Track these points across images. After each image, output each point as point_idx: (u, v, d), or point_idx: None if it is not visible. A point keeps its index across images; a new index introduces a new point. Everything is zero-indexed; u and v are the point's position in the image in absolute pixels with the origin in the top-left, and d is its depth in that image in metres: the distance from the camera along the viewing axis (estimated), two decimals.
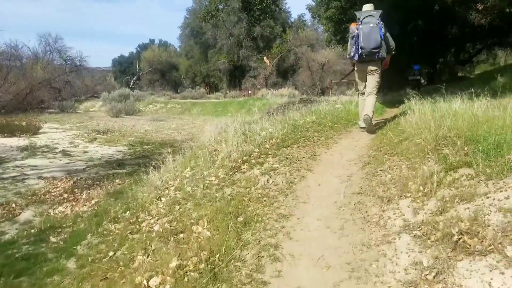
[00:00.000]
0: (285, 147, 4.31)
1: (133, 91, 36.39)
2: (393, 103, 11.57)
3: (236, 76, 43.89)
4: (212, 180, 3.81)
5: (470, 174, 2.84)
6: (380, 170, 3.50)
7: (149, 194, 3.95)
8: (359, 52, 4.99)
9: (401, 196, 2.94)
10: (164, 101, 28.53)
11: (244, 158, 4.06)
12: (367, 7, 5.33)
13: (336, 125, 5.60)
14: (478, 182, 2.72)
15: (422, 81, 15.43)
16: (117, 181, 6.07)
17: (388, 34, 5.16)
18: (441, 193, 2.76)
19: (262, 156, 4.08)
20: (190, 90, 40.75)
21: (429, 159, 3.29)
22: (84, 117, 20.47)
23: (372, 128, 5.12)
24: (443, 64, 21.75)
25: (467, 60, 26.17)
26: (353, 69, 5.64)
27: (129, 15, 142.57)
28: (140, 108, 25.55)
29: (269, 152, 4.15)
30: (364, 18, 5.01)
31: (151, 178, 4.38)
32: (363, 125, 5.31)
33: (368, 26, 4.92)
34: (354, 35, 5.09)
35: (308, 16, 46.53)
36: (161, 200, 3.72)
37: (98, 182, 6.10)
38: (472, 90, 10.63)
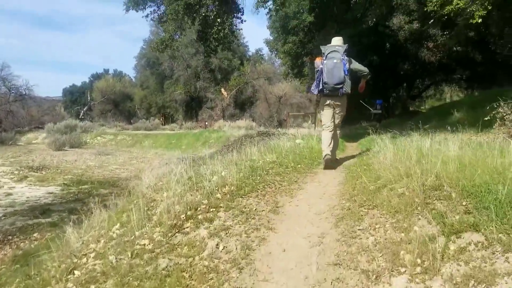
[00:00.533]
0: (241, 197, 3.51)
1: (82, 122, 34.57)
2: (353, 138, 11.24)
3: (193, 107, 43.10)
4: (144, 245, 2.92)
5: (480, 241, 2.17)
6: (359, 229, 2.78)
7: (60, 264, 2.96)
8: (320, 88, 4.94)
9: (392, 271, 2.21)
10: (114, 133, 26.97)
11: (189, 213, 3.21)
12: (335, 41, 5.23)
13: (299, 166, 4.89)
14: (493, 254, 2.06)
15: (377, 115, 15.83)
16: (35, 235, 4.94)
17: (355, 63, 5.12)
18: (448, 269, 2.06)
19: (211, 210, 3.25)
20: (143, 121, 39.35)
21: (420, 217, 2.63)
22: (22, 150, 18.63)
23: (335, 164, 5.10)
24: (396, 98, 22.28)
25: (417, 95, 27.17)
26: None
27: (84, 44, 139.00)
28: (87, 140, 23.91)
29: (221, 204, 3.33)
30: (329, 53, 4.92)
31: (68, 238, 3.39)
32: (323, 158, 5.04)
33: (332, 61, 4.84)
34: (318, 70, 4.99)
35: (265, 50, 47.55)
36: (73, 274, 2.76)
37: (10, 237, 4.93)
38: (431, 125, 10.50)
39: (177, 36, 12.72)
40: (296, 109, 38.02)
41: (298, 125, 34.57)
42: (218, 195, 3.49)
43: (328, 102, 5.07)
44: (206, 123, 36.85)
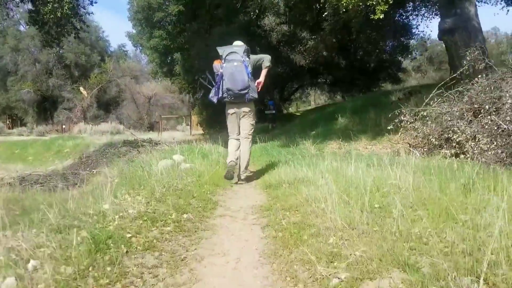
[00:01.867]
0: None
1: None
2: None
3: (47, 108, 36.71)
4: None
5: None
6: None
7: None
8: (220, 95, 4.35)
9: None
10: None
11: None
12: (234, 44, 4.59)
13: (185, 217, 2.94)
14: None
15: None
16: None
17: (253, 56, 4.48)
18: None
19: None
20: None
21: None
22: None
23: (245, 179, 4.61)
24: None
25: (287, 98, 27.53)
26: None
27: None
28: None
29: None
30: (227, 55, 4.33)
31: None
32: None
33: (232, 65, 4.28)
34: (218, 74, 4.38)
35: (130, 46, 43.37)
36: None
37: None
38: (317, 131, 9.64)
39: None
40: (169, 111, 35.37)
41: (172, 127, 32.04)
42: None
43: (233, 110, 4.50)
44: (64, 126, 31.58)
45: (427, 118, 5.74)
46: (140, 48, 20.17)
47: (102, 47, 39.25)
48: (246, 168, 4.61)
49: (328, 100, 31.76)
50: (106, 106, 36.19)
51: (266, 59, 4.48)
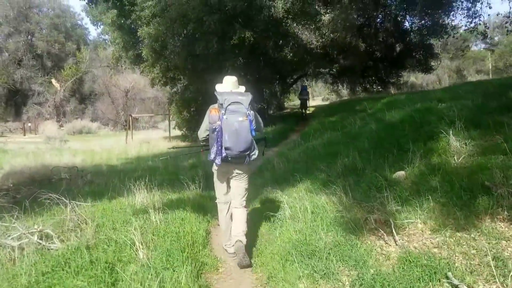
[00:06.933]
0: None
1: None
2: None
3: (17, 102, 30.28)
4: None
5: None
6: None
7: None
8: (224, 155, 2.89)
9: None
10: None
11: None
12: (230, 83, 3.16)
13: None
14: None
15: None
16: None
17: (257, 118, 3.08)
18: None
19: None
20: None
21: None
22: None
23: (247, 259, 2.93)
24: (270, 94, 15.71)
25: (286, 90, 21.45)
26: None
27: None
28: None
29: None
30: (229, 105, 2.90)
31: None
32: (232, 250, 3.11)
33: (236, 119, 2.89)
34: (216, 128, 2.89)
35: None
36: None
37: None
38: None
39: None
40: (155, 104, 29.21)
41: (154, 125, 26.05)
42: None
43: (225, 169, 3.10)
44: (30, 124, 25.33)
45: None
46: (101, 25, 14.05)
47: (80, 35, 32.69)
48: (244, 244, 3.06)
49: (330, 92, 25.85)
50: (83, 100, 29.94)
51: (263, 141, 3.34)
